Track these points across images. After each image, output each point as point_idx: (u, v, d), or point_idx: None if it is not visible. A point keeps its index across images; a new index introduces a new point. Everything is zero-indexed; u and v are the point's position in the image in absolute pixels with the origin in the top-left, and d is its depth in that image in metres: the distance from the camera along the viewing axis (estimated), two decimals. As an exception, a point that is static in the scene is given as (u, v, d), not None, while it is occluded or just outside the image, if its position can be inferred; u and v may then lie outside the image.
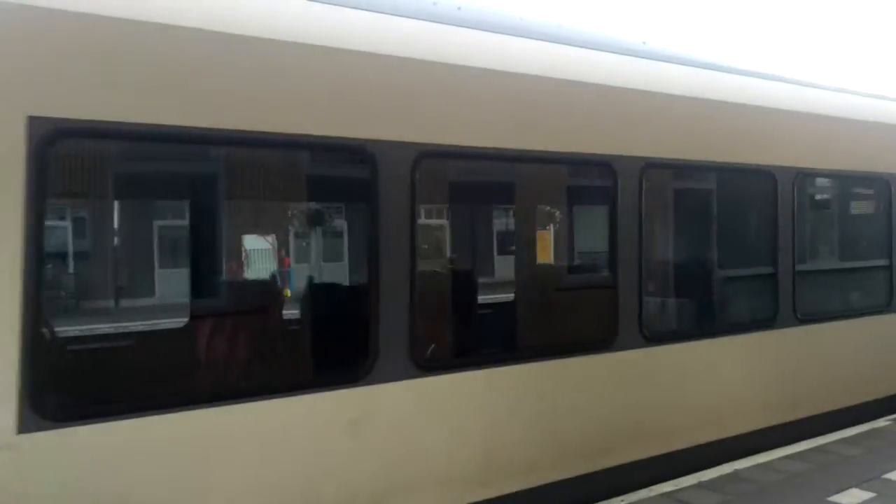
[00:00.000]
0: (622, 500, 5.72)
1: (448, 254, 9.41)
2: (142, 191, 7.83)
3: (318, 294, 6.71)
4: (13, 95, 3.63)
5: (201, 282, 6.71)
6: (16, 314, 3.59)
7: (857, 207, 8.87)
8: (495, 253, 15.55)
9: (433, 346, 5.32)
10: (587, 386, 5.78)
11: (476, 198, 9.08)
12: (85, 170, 4.89)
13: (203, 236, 6.82)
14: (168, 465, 4.00)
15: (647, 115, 6.21)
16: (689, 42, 7.53)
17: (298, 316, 6.63)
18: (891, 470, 6.38)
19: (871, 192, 8.68)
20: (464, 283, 6.91)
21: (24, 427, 3.61)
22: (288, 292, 11.88)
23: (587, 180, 7.01)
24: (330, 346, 5.04)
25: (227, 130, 4.20)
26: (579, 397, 5.73)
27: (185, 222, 7.18)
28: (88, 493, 3.77)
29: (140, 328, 9.69)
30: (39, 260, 3.69)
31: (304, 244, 20.43)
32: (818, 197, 8.54)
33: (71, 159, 4.27)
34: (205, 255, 6.89)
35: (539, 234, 8.73)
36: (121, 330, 9.58)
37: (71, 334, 6.78)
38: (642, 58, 6.41)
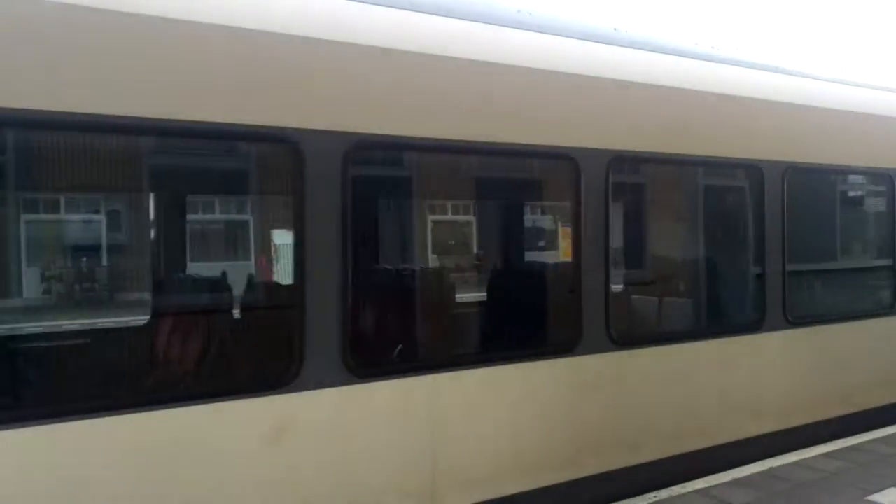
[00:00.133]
0: (654, 496, 5.68)
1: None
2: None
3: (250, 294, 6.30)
4: None
5: None
6: None
7: (857, 204, 8.36)
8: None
9: (370, 349, 5.06)
10: (549, 392, 5.38)
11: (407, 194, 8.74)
12: None
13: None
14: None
15: (615, 106, 5.79)
16: (667, 28, 7.20)
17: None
18: (930, 469, 6.27)
19: (872, 188, 8.18)
20: (405, 284, 6.63)
21: None
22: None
23: (541, 176, 6.69)
24: (254, 349, 4.84)
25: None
26: (539, 404, 5.34)
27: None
28: None
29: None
30: None
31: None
32: (812, 193, 8.02)
33: None
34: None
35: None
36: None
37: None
38: (613, 45, 5.99)
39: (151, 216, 6.34)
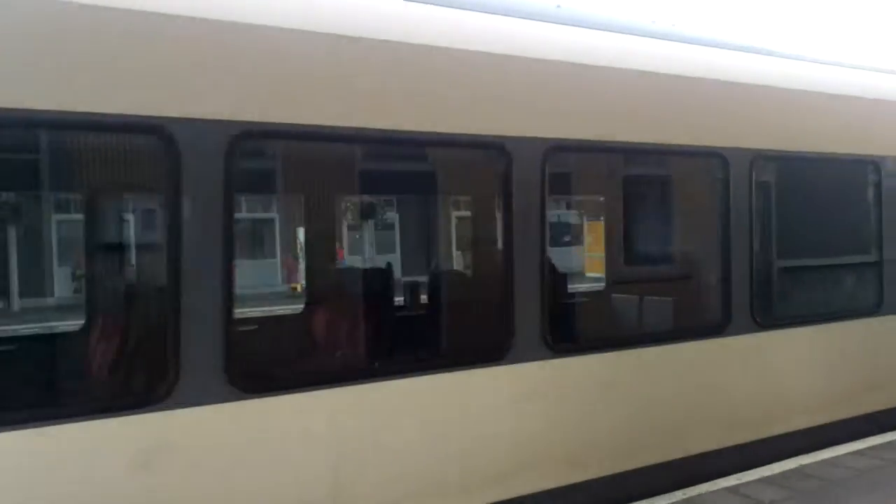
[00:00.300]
0: (684, 494, 5.68)
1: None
2: None
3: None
4: None
5: None
6: None
7: (840, 195, 7.58)
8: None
9: (259, 363, 4.70)
10: (474, 405, 4.94)
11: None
12: None
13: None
14: None
15: (548, 89, 5.21)
16: (616, 3, 6.55)
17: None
18: (963, 468, 6.21)
19: (856, 177, 7.41)
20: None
21: None
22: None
23: (463, 168, 6.15)
24: (128, 364, 4.51)
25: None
26: (463, 418, 4.88)
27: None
28: None
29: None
30: None
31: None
32: (786, 183, 7.30)
33: None
34: None
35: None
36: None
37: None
38: (551, 23, 5.47)
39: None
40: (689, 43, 6.22)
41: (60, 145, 4.65)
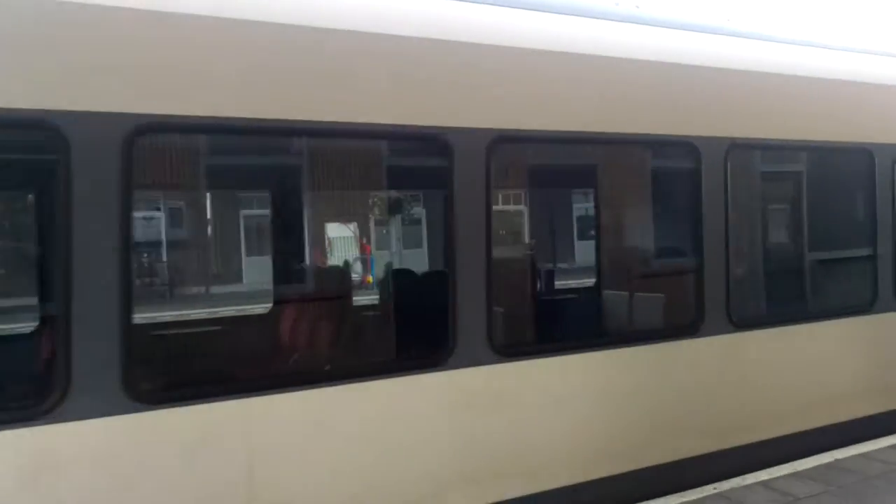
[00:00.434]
0: (714, 489, 5.44)
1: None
2: None
3: None
4: None
5: None
6: None
7: (830, 186, 7.04)
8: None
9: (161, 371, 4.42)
10: (408, 414, 4.53)
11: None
12: None
13: None
14: None
15: (491, 76, 4.75)
16: None
17: None
18: None
19: (848, 166, 6.86)
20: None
21: None
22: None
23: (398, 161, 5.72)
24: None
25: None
26: (397, 428, 4.47)
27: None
28: None
29: None
30: None
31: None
32: (768, 174, 6.80)
33: None
34: None
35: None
36: None
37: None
38: (487, 4, 4.98)
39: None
40: (654, 26, 5.72)
41: None
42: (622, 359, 5.26)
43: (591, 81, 5.15)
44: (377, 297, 6.55)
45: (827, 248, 6.94)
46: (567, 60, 5.04)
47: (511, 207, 7.16)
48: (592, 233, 7.03)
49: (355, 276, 6.94)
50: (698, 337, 5.60)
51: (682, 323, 5.66)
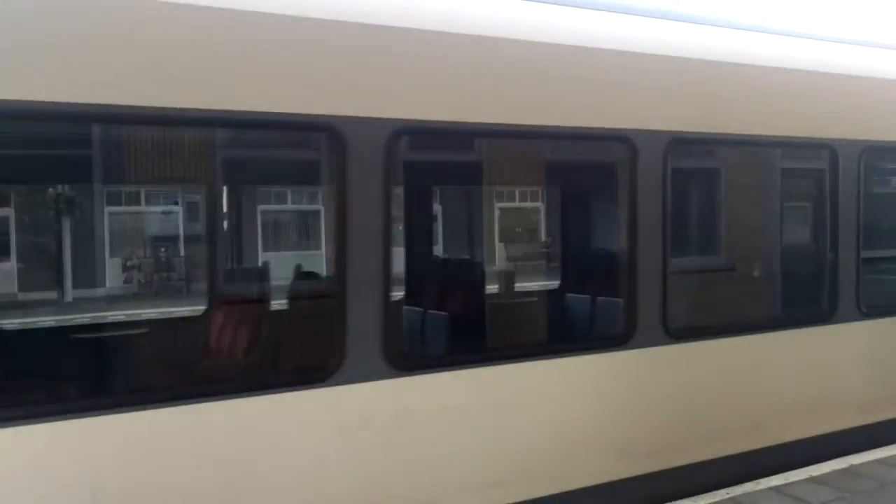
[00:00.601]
0: (727, 494, 5.38)
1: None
2: None
3: None
4: None
5: None
6: None
7: (790, 185, 6.60)
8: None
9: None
10: (284, 437, 4.10)
11: None
12: None
13: None
14: None
15: (397, 64, 4.32)
16: None
17: None
18: None
19: (809, 164, 6.44)
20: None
21: None
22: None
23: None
24: None
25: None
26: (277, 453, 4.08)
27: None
28: None
29: None
30: None
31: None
32: (719, 172, 6.32)
33: None
34: None
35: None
36: None
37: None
38: None
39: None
40: (581, 8, 5.19)
41: None
42: (539, 374, 4.79)
43: (516, 71, 4.75)
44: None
45: (779, 251, 6.59)
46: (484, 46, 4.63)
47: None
48: (528, 240, 6.87)
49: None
50: (630, 349, 5.15)
51: (614, 333, 5.22)
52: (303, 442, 4.06)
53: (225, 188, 6.37)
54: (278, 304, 5.60)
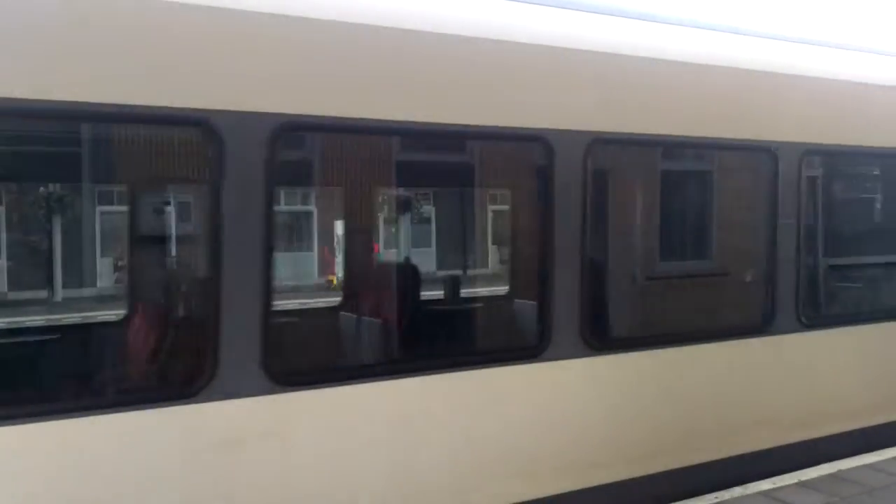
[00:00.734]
0: (716, 498, 5.36)
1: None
2: None
3: None
4: None
5: None
6: None
7: (725, 190, 6.23)
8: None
9: None
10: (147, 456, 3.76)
11: None
12: None
13: None
14: None
15: (274, 55, 3.95)
16: None
17: None
18: None
19: (747, 167, 6.12)
20: None
21: None
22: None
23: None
24: None
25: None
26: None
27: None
28: None
29: None
30: None
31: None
32: (642, 175, 5.95)
33: None
34: None
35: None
36: None
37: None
38: None
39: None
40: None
41: None
42: (440, 388, 4.44)
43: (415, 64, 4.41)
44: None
45: (713, 258, 6.16)
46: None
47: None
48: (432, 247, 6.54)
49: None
50: (544, 361, 4.74)
51: (529, 346, 4.83)
52: (169, 462, 3.69)
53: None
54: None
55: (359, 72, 4.14)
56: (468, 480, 4.53)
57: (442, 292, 6.92)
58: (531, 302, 5.01)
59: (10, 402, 3.54)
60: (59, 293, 13.99)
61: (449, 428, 4.46)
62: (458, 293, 6.77)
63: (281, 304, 4.90)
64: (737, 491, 5.46)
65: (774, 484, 5.60)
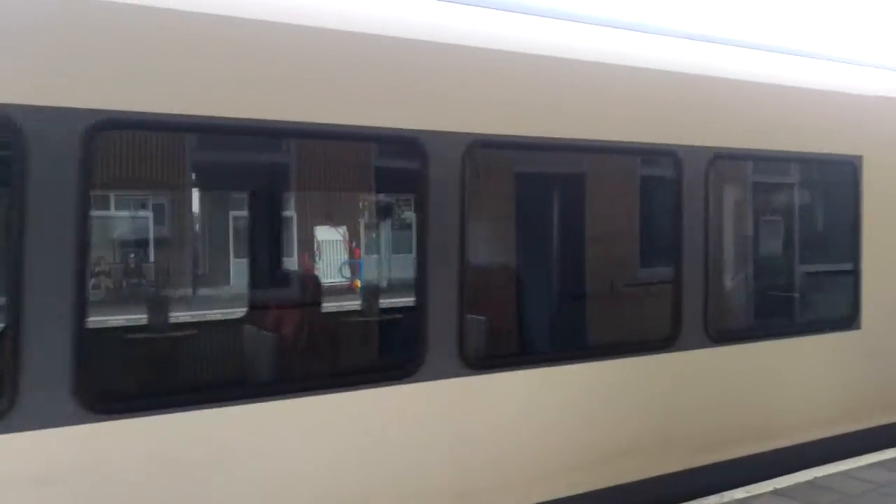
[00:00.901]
0: (691, 507, 5.28)
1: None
2: None
3: None
4: None
5: None
6: None
7: (624, 197, 5.78)
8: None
9: None
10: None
11: None
12: None
13: None
14: None
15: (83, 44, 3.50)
16: None
17: None
18: None
19: (645, 172, 5.78)
20: None
21: None
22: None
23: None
24: None
25: None
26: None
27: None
28: None
29: None
30: None
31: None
32: (532, 182, 5.52)
33: None
34: None
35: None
36: None
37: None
38: None
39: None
40: None
41: None
42: (288, 410, 3.98)
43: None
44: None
45: (611, 270, 5.65)
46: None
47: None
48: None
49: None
50: (417, 382, 4.30)
51: (400, 363, 4.34)
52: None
53: None
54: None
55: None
56: None
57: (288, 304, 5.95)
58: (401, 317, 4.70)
59: None
60: None
61: (293, 459, 3.98)
62: (317, 307, 5.74)
63: (102, 319, 4.45)
64: (712, 500, 5.38)
65: (749, 492, 5.53)
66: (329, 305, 5.83)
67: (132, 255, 6.40)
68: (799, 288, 6.59)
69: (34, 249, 3.33)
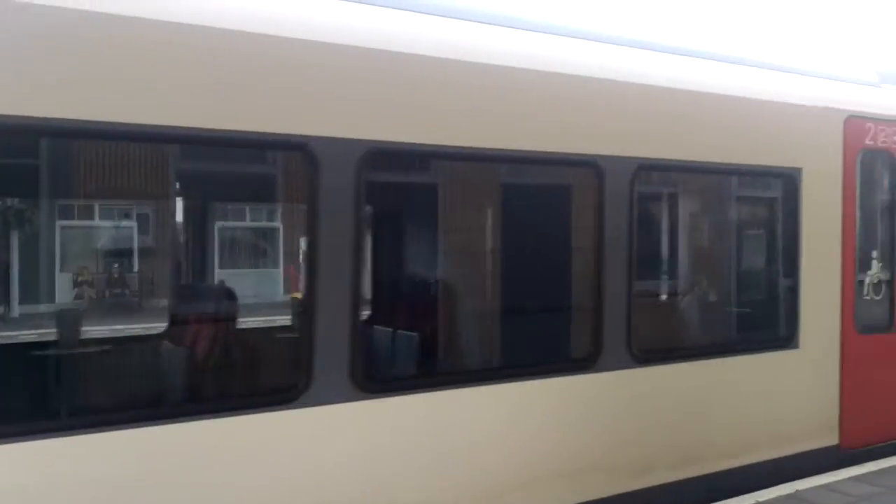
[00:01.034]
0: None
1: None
2: None
3: None
4: None
5: None
6: None
7: (542, 207, 5.43)
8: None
9: None
10: None
11: None
12: None
13: None
14: None
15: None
16: None
17: None
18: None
19: (565, 182, 5.46)
20: None
21: None
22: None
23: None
24: None
25: None
26: None
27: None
28: None
29: None
30: None
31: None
32: (436, 190, 5.17)
33: None
34: None
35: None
36: None
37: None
38: None
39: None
40: None
41: None
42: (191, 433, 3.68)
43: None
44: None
45: (525, 286, 5.29)
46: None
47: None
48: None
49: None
50: (306, 407, 3.96)
51: (290, 385, 3.99)
52: None
53: None
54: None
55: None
56: None
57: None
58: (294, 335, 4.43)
59: None
60: None
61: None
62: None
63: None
64: (693, 514, 5.26)
65: (731, 505, 5.42)
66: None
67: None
68: (735, 304, 6.33)
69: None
